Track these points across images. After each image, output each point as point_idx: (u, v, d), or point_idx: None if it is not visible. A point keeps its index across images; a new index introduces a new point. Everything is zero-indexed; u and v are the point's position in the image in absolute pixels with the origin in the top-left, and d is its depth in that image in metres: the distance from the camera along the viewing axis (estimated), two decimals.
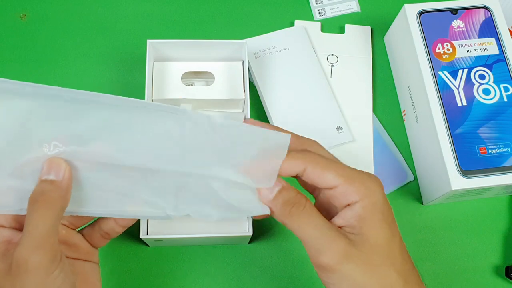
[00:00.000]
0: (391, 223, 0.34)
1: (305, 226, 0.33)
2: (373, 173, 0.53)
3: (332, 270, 0.32)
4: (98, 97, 0.31)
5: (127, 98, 0.32)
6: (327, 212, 0.36)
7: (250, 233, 0.45)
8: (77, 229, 0.39)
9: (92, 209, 0.34)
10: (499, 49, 0.52)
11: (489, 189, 0.49)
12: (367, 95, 0.57)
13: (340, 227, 0.34)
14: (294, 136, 0.36)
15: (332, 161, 0.34)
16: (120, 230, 0.38)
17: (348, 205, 0.34)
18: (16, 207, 0.32)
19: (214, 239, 0.47)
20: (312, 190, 0.39)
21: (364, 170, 0.35)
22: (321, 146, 0.37)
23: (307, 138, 0.37)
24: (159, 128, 0.32)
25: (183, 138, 0.32)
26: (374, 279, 0.32)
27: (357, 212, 0.33)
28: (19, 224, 0.33)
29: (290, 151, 0.34)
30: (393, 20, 0.57)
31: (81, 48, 0.58)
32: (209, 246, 0.50)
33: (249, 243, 0.51)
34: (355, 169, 0.35)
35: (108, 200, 0.34)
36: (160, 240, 0.46)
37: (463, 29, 0.53)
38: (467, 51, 0.52)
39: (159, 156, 0.33)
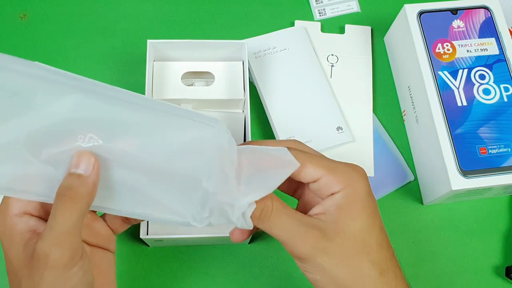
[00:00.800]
0: (371, 213, 0.34)
1: (276, 227, 0.33)
2: (373, 173, 0.53)
3: (306, 261, 0.33)
4: (139, 99, 0.32)
5: (167, 103, 0.33)
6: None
7: None
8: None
9: (117, 207, 0.34)
10: (499, 49, 0.52)
11: (489, 189, 0.49)
12: (367, 95, 0.57)
13: (316, 215, 0.34)
14: (274, 142, 0.36)
15: (313, 155, 0.35)
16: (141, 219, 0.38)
17: (331, 194, 0.34)
18: (44, 195, 0.32)
19: (214, 239, 0.47)
20: (293, 192, 0.39)
21: (352, 163, 0.35)
22: (302, 144, 0.37)
23: (287, 140, 0.37)
24: (195, 138, 0.33)
25: (216, 152, 0.33)
26: (346, 270, 0.33)
27: (337, 201, 0.34)
28: (46, 214, 0.33)
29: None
30: (393, 20, 0.57)
31: (81, 48, 0.58)
32: (209, 246, 0.50)
33: (249, 243, 0.51)
34: (339, 161, 0.35)
35: (134, 201, 0.33)
36: (160, 240, 0.46)
37: (463, 29, 0.53)
38: (467, 51, 0.52)
39: (189, 164, 0.33)
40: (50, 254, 0.30)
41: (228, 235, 0.45)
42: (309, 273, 0.34)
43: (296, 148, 0.35)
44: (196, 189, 0.33)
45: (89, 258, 0.33)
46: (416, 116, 0.53)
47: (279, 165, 0.33)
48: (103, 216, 0.38)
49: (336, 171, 0.34)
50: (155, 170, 0.32)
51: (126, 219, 0.38)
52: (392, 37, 0.58)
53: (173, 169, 0.33)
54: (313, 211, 0.35)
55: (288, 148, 0.34)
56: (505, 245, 0.52)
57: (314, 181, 0.34)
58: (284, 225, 0.33)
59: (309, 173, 0.34)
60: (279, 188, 0.36)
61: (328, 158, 0.35)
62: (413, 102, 0.54)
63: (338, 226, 0.33)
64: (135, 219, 0.38)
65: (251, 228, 0.33)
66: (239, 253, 0.50)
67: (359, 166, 0.35)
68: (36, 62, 0.30)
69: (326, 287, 0.34)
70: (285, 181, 0.34)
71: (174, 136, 0.32)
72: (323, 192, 0.34)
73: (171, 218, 0.34)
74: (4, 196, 0.33)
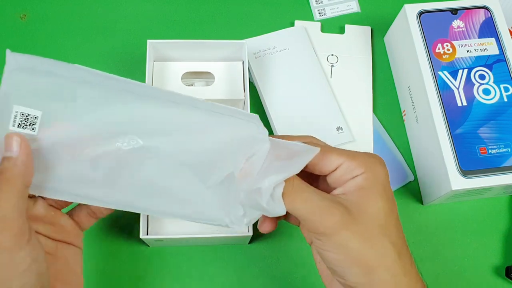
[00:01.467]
0: (390, 198, 0.35)
1: (298, 203, 0.33)
2: None
3: (328, 237, 0.33)
4: (176, 98, 0.32)
5: (204, 101, 0.33)
6: None
7: (250, 233, 0.45)
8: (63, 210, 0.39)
9: (153, 207, 0.34)
10: (499, 49, 0.52)
11: (489, 189, 0.49)
12: (367, 95, 0.57)
13: (337, 195, 0.34)
14: (290, 137, 0.37)
15: (331, 146, 0.36)
16: (106, 211, 0.38)
17: (353, 178, 0.34)
18: None
19: (214, 239, 0.47)
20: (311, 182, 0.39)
21: (370, 152, 0.37)
22: (317, 139, 0.38)
23: (303, 136, 0.38)
24: (236, 135, 0.33)
25: (255, 147, 0.33)
26: (368, 248, 0.33)
27: (359, 183, 0.34)
28: None
29: None
30: (393, 20, 0.57)
31: (81, 48, 0.58)
32: (209, 246, 0.50)
33: (249, 243, 0.51)
34: (357, 151, 0.36)
35: (172, 201, 0.34)
36: (160, 240, 0.46)
37: (463, 29, 0.53)
38: (467, 51, 0.52)
39: (228, 161, 0.33)
40: None
41: (228, 235, 0.45)
42: (329, 252, 0.33)
43: (314, 142, 0.36)
44: (232, 186, 0.33)
45: (42, 247, 0.32)
46: (416, 116, 0.53)
47: (301, 153, 0.33)
48: (69, 212, 0.38)
49: (356, 157, 0.35)
50: (196, 169, 0.33)
51: (92, 213, 0.38)
52: (392, 37, 0.58)
53: (213, 167, 0.33)
54: (334, 192, 0.35)
55: (307, 142, 0.35)
56: (505, 245, 0.52)
57: (335, 169, 0.34)
58: (307, 199, 0.33)
59: (331, 161, 0.34)
60: None
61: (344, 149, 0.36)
62: (413, 102, 0.54)
63: (360, 206, 0.33)
64: (102, 213, 0.38)
65: (284, 211, 0.32)
66: (239, 253, 0.50)
67: (377, 155, 0.36)
68: (76, 65, 0.30)
69: (345, 267, 0.33)
70: (302, 176, 0.34)
71: (214, 134, 0.33)
72: (344, 177, 0.34)
73: (208, 221, 0.34)
74: None
